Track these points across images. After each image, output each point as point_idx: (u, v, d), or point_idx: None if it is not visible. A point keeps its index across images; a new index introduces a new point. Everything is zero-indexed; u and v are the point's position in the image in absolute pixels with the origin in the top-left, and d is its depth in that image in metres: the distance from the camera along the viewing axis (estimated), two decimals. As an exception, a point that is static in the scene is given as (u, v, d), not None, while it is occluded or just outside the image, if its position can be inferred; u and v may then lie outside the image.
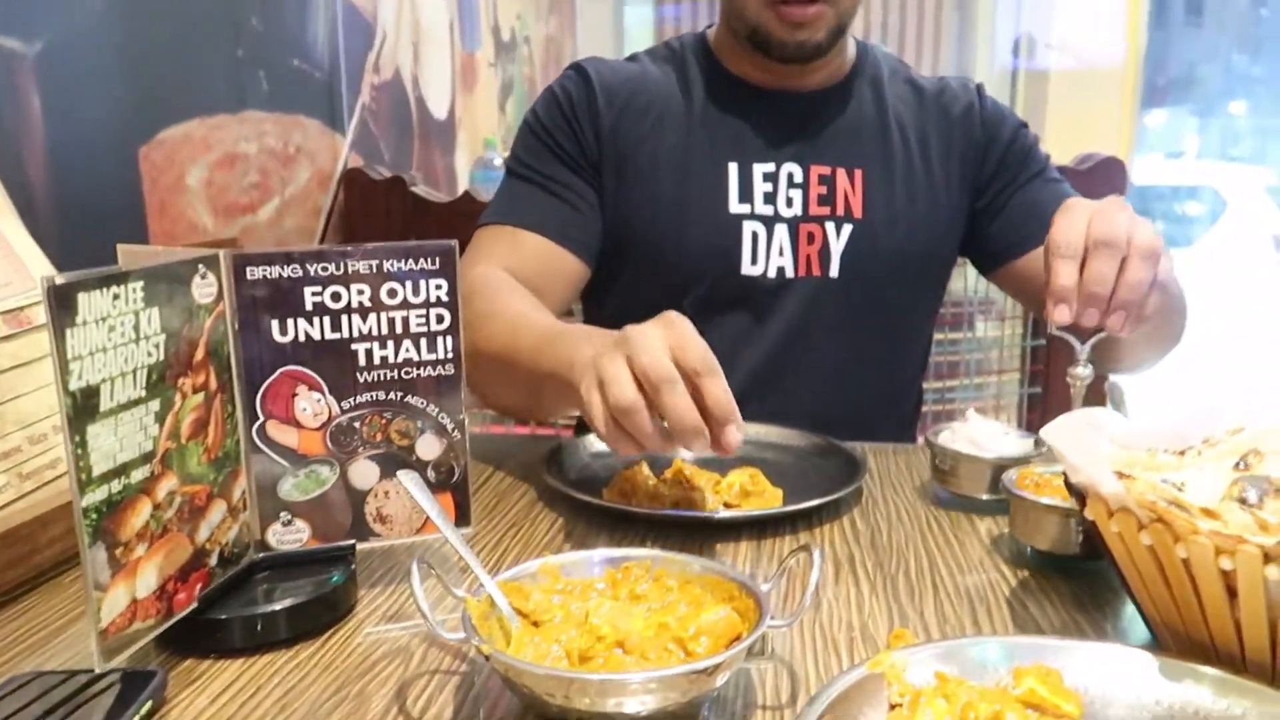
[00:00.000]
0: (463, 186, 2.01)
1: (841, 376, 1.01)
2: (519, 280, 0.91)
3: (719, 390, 0.61)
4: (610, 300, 1.03)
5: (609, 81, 1.00)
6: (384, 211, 1.41)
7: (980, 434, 0.74)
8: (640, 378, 0.60)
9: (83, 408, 0.46)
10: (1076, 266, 0.69)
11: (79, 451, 0.46)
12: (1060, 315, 0.68)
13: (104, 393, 0.47)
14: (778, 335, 0.99)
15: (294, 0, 1.31)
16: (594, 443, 0.86)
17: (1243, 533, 0.47)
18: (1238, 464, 0.57)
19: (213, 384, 0.55)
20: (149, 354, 0.50)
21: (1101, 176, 1.34)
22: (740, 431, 0.62)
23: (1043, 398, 1.37)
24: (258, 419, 0.58)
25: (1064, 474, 0.57)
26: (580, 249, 0.97)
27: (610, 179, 0.98)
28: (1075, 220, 0.69)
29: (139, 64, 0.99)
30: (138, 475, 0.49)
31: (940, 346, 1.43)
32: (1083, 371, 0.71)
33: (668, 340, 0.61)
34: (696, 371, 0.60)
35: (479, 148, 2.11)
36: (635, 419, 0.60)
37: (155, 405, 0.50)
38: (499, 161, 2.05)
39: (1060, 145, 3.30)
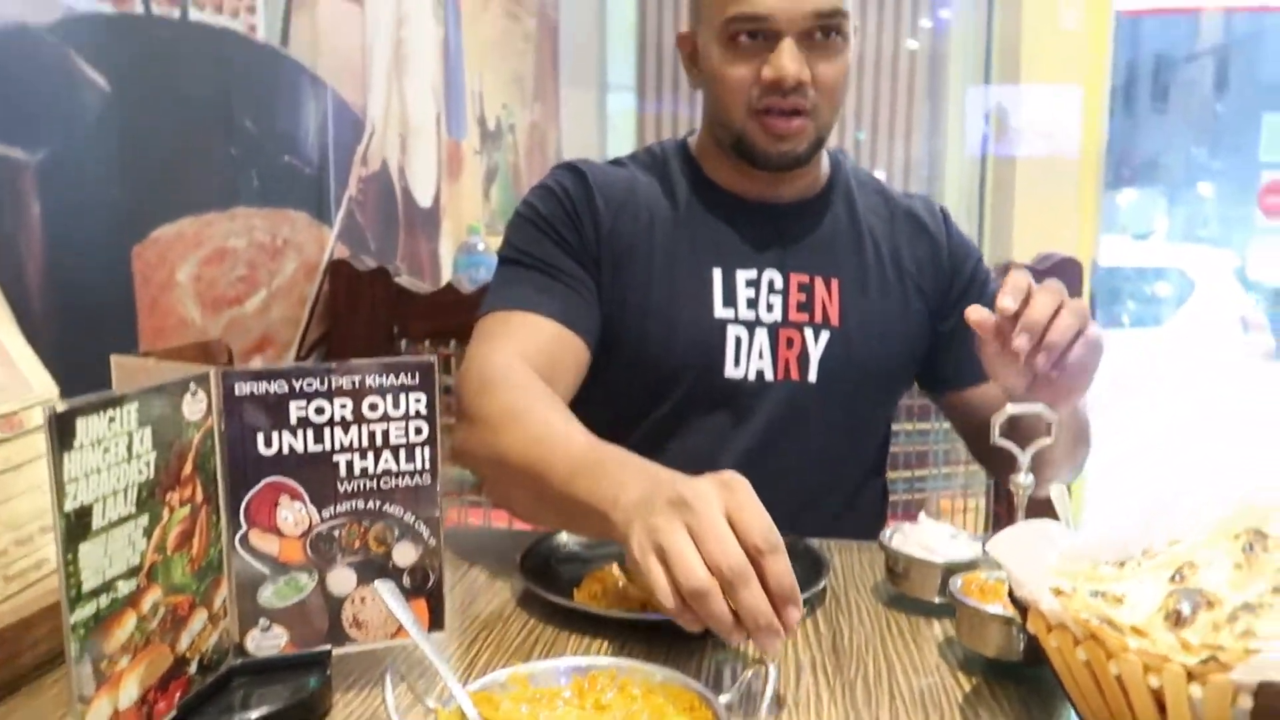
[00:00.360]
0: (446, 271, 2.05)
1: (814, 475, 1.04)
2: (533, 367, 0.90)
3: (782, 570, 0.58)
4: (592, 396, 1.03)
5: (603, 183, 1.04)
6: (368, 302, 1.44)
7: (930, 537, 0.77)
8: (709, 563, 0.58)
9: (76, 527, 0.48)
10: (1020, 300, 0.77)
11: (70, 569, 0.48)
12: (1020, 342, 0.75)
13: (96, 512, 0.49)
14: (755, 436, 1.01)
15: (287, 99, 1.36)
16: (567, 541, 0.89)
17: (1169, 652, 0.50)
18: (1173, 576, 0.60)
19: (199, 496, 0.58)
20: (140, 472, 0.52)
21: (1059, 274, 1.40)
22: (799, 611, 0.60)
23: (1008, 490, 1.40)
24: (241, 528, 0.61)
25: (1009, 586, 0.60)
26: (588, 336, 0.98)
27: (606, 276, 1.01)
28: (1023, 275, 0.78)
29: (135, 167, 1.03)
30: (125, 589, 0.51)
31: (910, 437, 1.47)
32: (1024, 479, 0.75)
33: (727, 507, 0.59)
34: (759, 549, 0.58)
35: (463, 233, 2.16)
36: (710, 605, 0.58)
37: (144, 520, 0.53)
38: (482, 246, 2.10)
39: (1028, 230, 3.38)
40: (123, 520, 0.51)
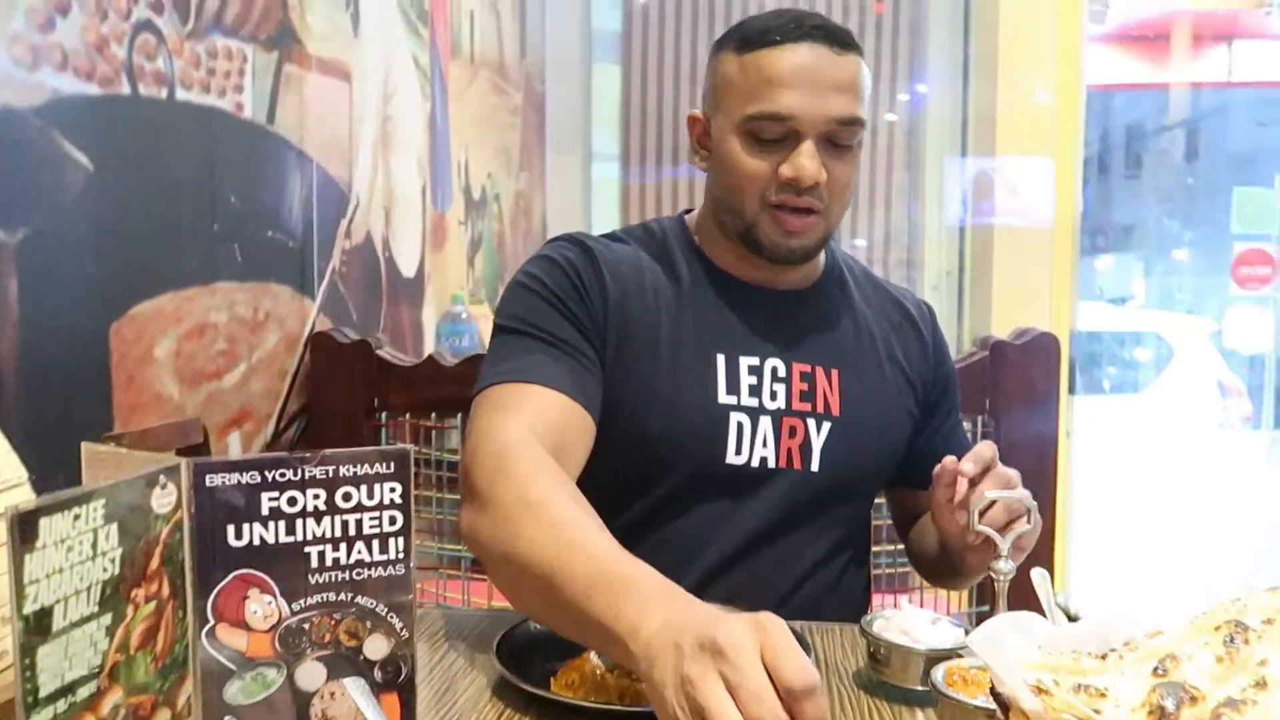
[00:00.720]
0: (429, 339, 2.05)
1: (806, 560, 1.03)
2: (544, 443, 0.86)
3: (817, 716, 0.56)
4: (589, 472, 0.98)
5: (611, 260, 1.02)
6: (348, 374, 1.44)
7: (912, 623, 0.76)
8: (747, 717, 0.54)
9: (35, 629, 0.47)
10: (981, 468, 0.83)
11: (28, 674, 0.47)
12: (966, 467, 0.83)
13: (57, 613, 0.48)
14: (754, 522, 1.00)
15: (273, 175, 1.37)
16: (542, 628, 0.87)
17: (1151, 754, 0.49)
18: (1156, 669, 0.60)
19: (165, 591, 0.56)
20: (104, 569, 0.51)
21: (1038, 348, 1.41)
22: None
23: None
24: (208, 623, 0.59)
25: (990, 681, 0.59)
26: (595, 411, 0.95)
27: (611, 354, 0.99)
28: (988, 446, 0.86)
29: (116, 244, 1.03)
30: (84, 692, 0.50)
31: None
32: (1004, 566, 0.74)
33: (762, 651, 0.56)
34: (793, 693, 0.55)
35: (446, 302, 2.17)
36: None
37: (107, 620, 0.52)
38: (465, 314, 2.11)
39: (1008, 296, 3.42)
40: (85, 620, 0.50)
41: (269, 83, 1.35)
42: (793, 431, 1.01)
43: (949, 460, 0.86)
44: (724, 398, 1.00)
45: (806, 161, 0.93)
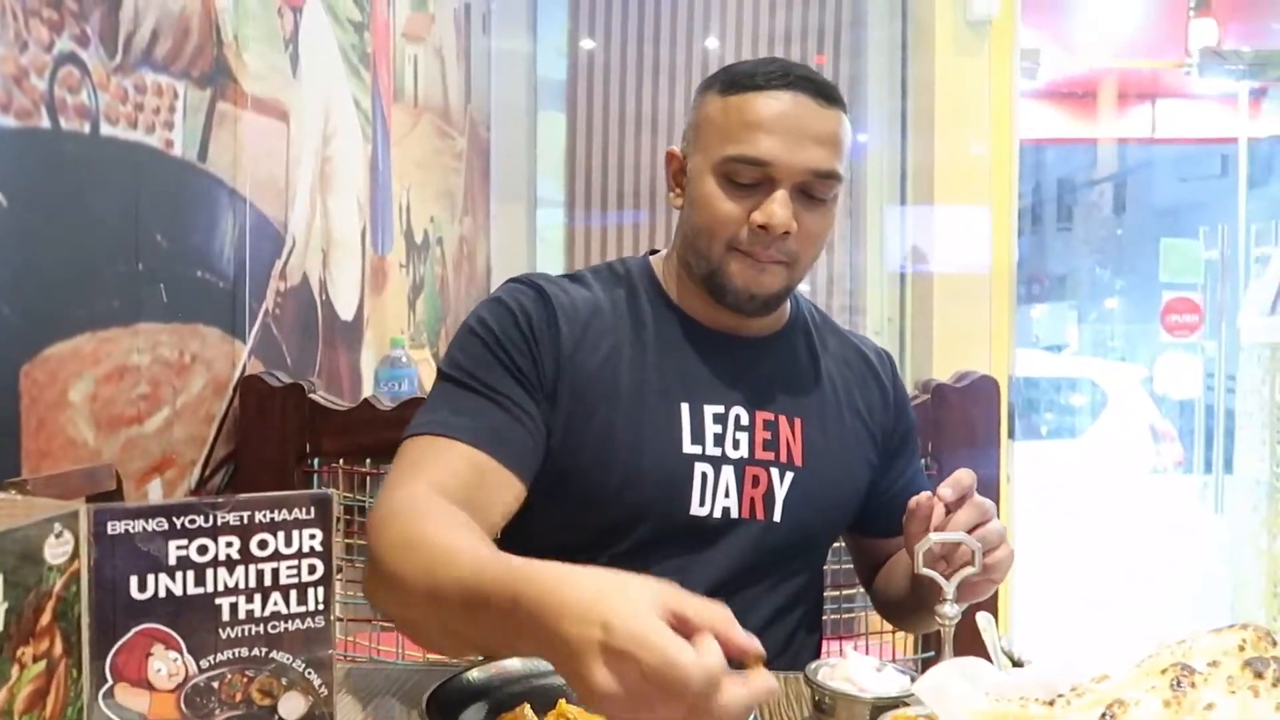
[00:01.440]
0: (367, 384, 2.01)
1: (764, 612, 1.01)
2: (450, 499, 0.84)
3: (731, 636, 0.57)
4: (543, 531, 0.97)
5: (567, 305, 0.99)
6: (279, 418, 1.39)
7: (857, 671, 0.74)
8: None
9: (-99, 694, 0.43)
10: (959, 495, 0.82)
11: (-110, 744, 0.42)
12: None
13: (-72, 675, 0.44)
14: (717, 573, 0.98)
15: (204, 215, 1.33)
16: (475, 678, 0.83)
17: (1102, 804, 0.47)
18: (1104, 715, 0.58)
19: (57, 649, 0.52)
20: (-13, 626, 0.47)
21: (978, 391, 1.42)
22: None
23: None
24: (106, 682, 0.55)
25: (938, 729, 0.58)
26: (522, 469, 0.92)
27: (565, 405, 0.95)
28: (967, 474, 0.85)
29: (30, 283, 0.98)
30: (-43, 763, 0.45)
31: (836, 554, 1.45)
32: (949, 610, 0.73)
33: (665, 614, 0.57)
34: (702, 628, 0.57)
35: (386, 345, 2.12)
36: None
37: (-13, 681, 0.47)
38: (405, 359, 2.06)
39: (947, 342, 3.48)
40: (-39, 682, 0.46)
41: (201, 120, 1.31)
42: (756, 481, 0.98)
43: (924, 496, 0.83)
44: (688, 447, 0.97)
45: (779, 209, 0.92)
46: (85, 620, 0.54)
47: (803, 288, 1.12)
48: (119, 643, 0.55)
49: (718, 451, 0.98)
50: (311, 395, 1.40)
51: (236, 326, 1.42)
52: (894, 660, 0.80)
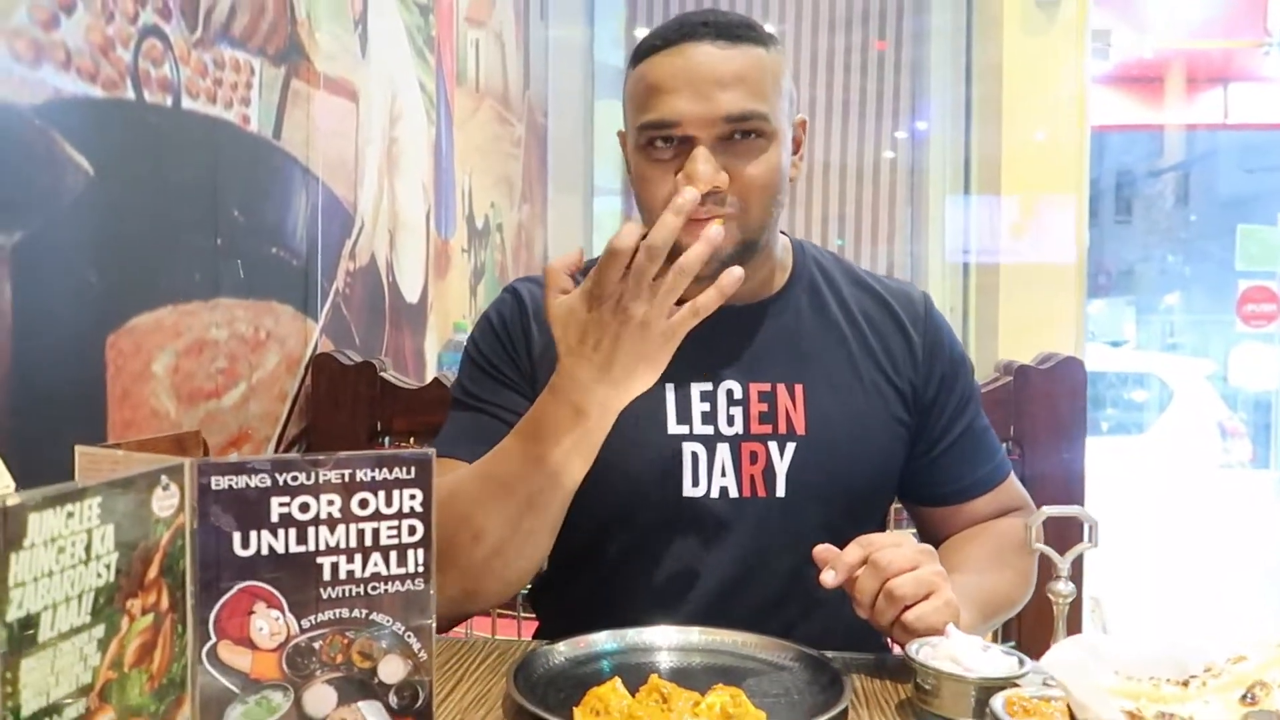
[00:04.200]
0: (431, 367, 2.01)
1: (798, 595, 0.96)
2: None
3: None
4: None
5: (540, 301, 0.96)
6: (351, 397, 1.39)
7: (961, 651, 0.71)
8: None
9: (19, 639, 0.42)
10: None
11: (9, 690, 0.41)
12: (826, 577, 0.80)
13: (44, 621, 0.43)
14: (730, 563, 0.94)
15: (278, 192, 1.34)
16: (563, 652, 0.82)
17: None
18: (1244, 696, 0.55)
19: (164, 604, 0.51)
20: (98, 575, 0.46)
21: (1063, 374, 1.37)
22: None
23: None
24: (209, 640, 0.54)
25: (1067, 707, 0.54)
26: None
27: None
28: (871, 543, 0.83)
29: (115, 253, 0.99)
30: (71, 713, 0.45)
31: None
32: (1064, 588, 0.69)
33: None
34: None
35: (449, 330, 2.12)
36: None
37: (99, 631, 0.46)
38: (468, 344, 2.06)
39: (1013, 336, 3.39)
40: (75, 631, 0.45)
41: (276, 97, 1.32)
42: (754, 457, 0.95)
43: (822, 549, 0.83)
44: (674, 428, 0.95)
45: (700, 166, 0.86)
46: (189, 576, 0.53)
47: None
48: (222, 600, 0.54)
49: (708, 430, 0.95)
50: (382, 374, 1.40)
51: (309, 305, 1.42)
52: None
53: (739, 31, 0.89)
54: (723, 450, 0.95)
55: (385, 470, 0.57)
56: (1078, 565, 1.22)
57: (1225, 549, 4.50)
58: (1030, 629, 1.24)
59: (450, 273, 2.17)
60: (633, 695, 0.72)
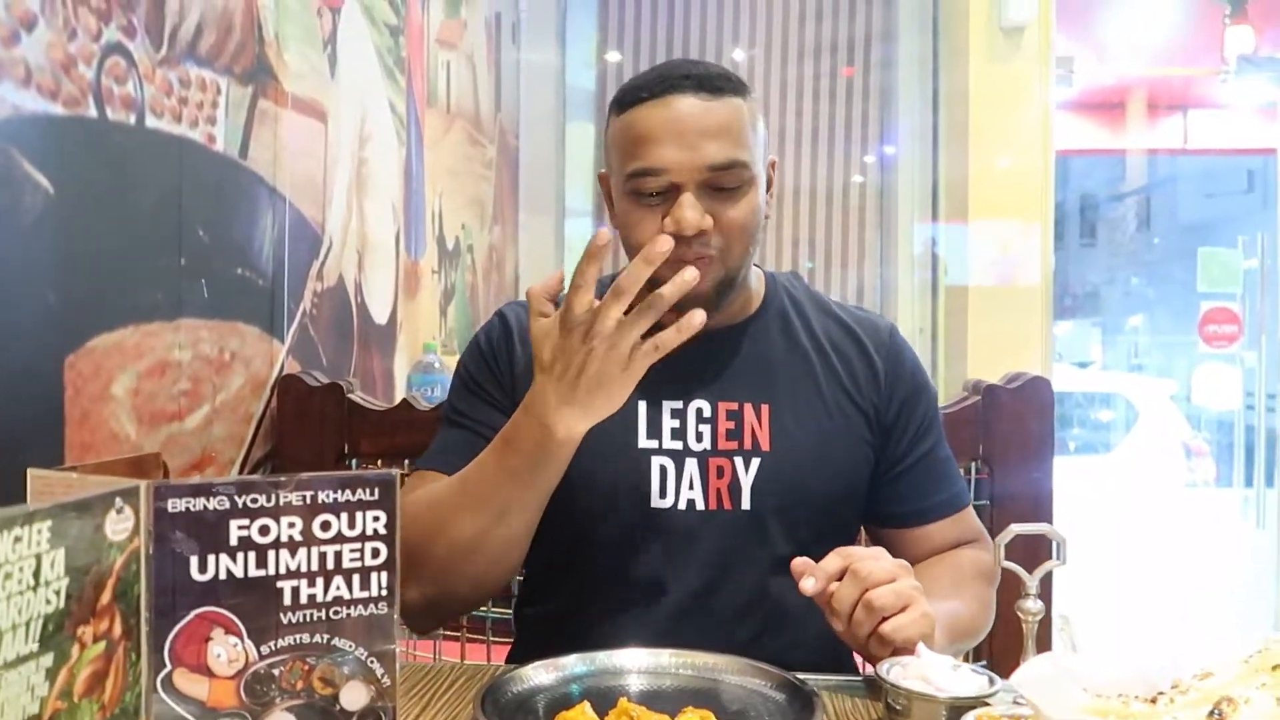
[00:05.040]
0: (400, 389, 1.99)
1: (766, 610, 1.00)
2: None
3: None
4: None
5: (523, 325, 1.05)
6: (318, 418, 1.37)
7: (931, 670, 0.71)
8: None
9: (-38, 669, 0.41)
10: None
11: (-50, 721, 0.40)
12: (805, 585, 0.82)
13: (-10, 650, 0.42)
14: (698, 570, 0.99)
15: (244, 212, 1.32)
16: (532, 675, 0.81)
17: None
18: (1212, 712, 0.55)
19: (117, 630, 0.50)
20: (47, 601, 0.45)
21: (1031, 393, 1.38)
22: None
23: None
24: (165, 668, 0.53)
25: (1036, 726, 0.54)
26: None
27: None
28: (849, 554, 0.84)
29: (75, 273, 0.97)
30: (17, 745, 0.43)
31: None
32: (1033, 605, 0.69)
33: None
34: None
35: (418, 351, 2.11)
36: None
37: (48, 660, 0.45)
38: (438, 364, 2.05)
39: (981, 357, 3.42)
40: (21, 660, 0.43)
41: (243, 116, 1.30)
42: (720, 472, 1.00)
43: (799, 561, 0.84)
44: (644, 442, 1.00)
45: (687, 213, 0.93)
46: (144, 601, 0.51)
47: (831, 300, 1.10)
48: (178, 626, 0.52)
49: (677, 445, 1.00)
50: (350, 395, 1.39)
51: (275, 325, 1.40)
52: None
53: (719, 84, 0.96)
54: (691, 465, 1.00)
55: (348, 492, 0.56)
56: (1046, 583, 1.22)
57: (1191, 566, 4.56)
58: (1000, 647, 1.24)
59: (420, 294, 2.16)
60: (602, 719, 0.71)
